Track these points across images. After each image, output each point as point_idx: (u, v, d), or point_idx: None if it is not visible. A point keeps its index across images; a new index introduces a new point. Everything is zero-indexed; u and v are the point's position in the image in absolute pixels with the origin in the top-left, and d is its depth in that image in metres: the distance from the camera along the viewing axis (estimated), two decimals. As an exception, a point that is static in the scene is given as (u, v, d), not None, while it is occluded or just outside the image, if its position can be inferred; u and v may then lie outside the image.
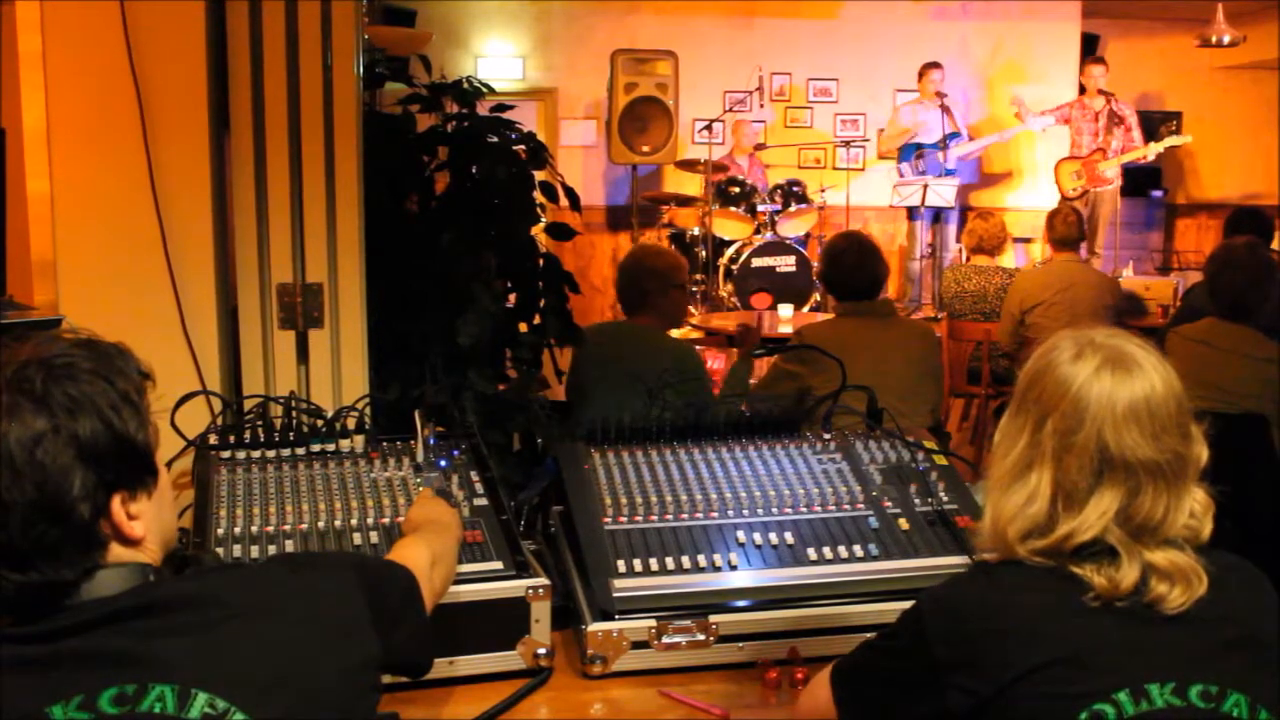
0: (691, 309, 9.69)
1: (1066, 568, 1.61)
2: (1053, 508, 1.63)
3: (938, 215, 10.27)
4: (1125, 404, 1.61)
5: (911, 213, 10.33)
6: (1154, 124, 11.80)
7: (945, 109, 10.37)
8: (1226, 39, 9.80)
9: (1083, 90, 10.43)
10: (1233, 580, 1.66)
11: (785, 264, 9.57)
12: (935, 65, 10.41)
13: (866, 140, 11.00)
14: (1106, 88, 10.23)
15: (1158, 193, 11.88)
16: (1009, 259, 7.69)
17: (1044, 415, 1.65)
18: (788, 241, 9.71)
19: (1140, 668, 1.57)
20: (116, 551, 1.47)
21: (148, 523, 1.50)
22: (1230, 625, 1.63)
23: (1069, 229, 6.57)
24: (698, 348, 4.97)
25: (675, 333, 5.42)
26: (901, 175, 10.35)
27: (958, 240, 10.22)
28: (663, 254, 4.95)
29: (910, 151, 10.39)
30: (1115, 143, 10.11)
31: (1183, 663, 1.58)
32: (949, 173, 10.25)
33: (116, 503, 1.46)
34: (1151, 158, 10.28)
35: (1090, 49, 11.56)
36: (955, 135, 10.39)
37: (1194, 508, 1.66)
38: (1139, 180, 11.51)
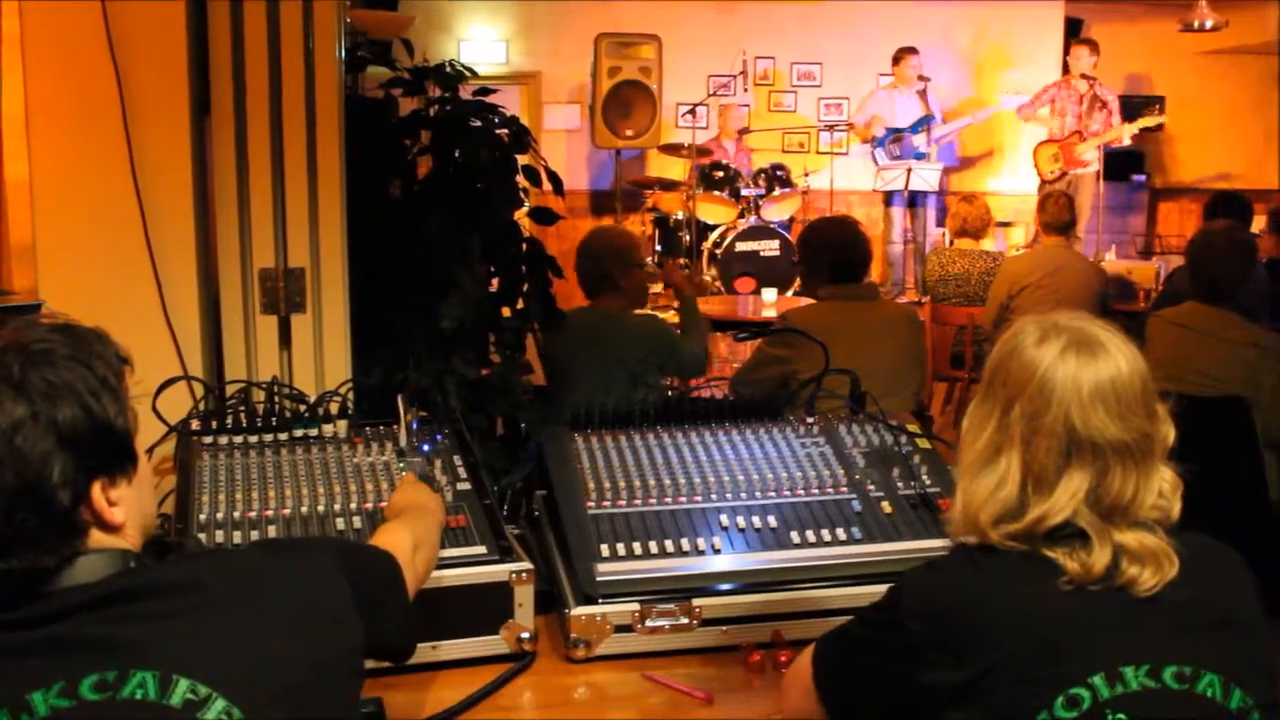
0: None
1: (1040, 551, 1.62)
2: (1023, 492, 1.64)
3: (914, 199, 10.29)
4: (1091, 385, 1.62)
5: (888, 197, 10.35)
6: (1136, 108, 11.81)
7: (922, 94, 10.41)
8: (1209, 24, 9.82)
9: (1066, 71, 10.41)
10: (1205, 561, 1.67)
11: (769, 248, 9.58)
12: (911, 51, 10.42)
13: (850, 124, 10.99)
14: (1091, 71, 10.23)
15: (1140, 177, 11.90)
16: (989, 243, 7.71)
17: (1011, 399, 1.66)
18: (771, 226, 9.72)
19: (1115, 651, 1.58)
20: (97, 538, 1.46)
21: (128, 508, 1.49)
22: (1203, 606, 1.64)
23: (1060, 212, 6.56)
24: (677, 330, 4.94)
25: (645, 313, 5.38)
26: (877, 161, 10.37)
27: (938, 224, 10.27)
28: (622, 234, 4.93)
29: (885, 138, 10.41)
30: (1095, 126, 10.13)
31: (1156, 644, 1.59)
32: (919, 156, 10.27)
33: (96, 489, 1.45)
34: (1127, 140, 10.28)
35: (1074, 32, 11.56)
36: (929, 118, 10.41)
37: (1162, 487, 1.67)
38: (1121, 164, 11.52)
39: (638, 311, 4.77)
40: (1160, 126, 10.58)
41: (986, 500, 1.65)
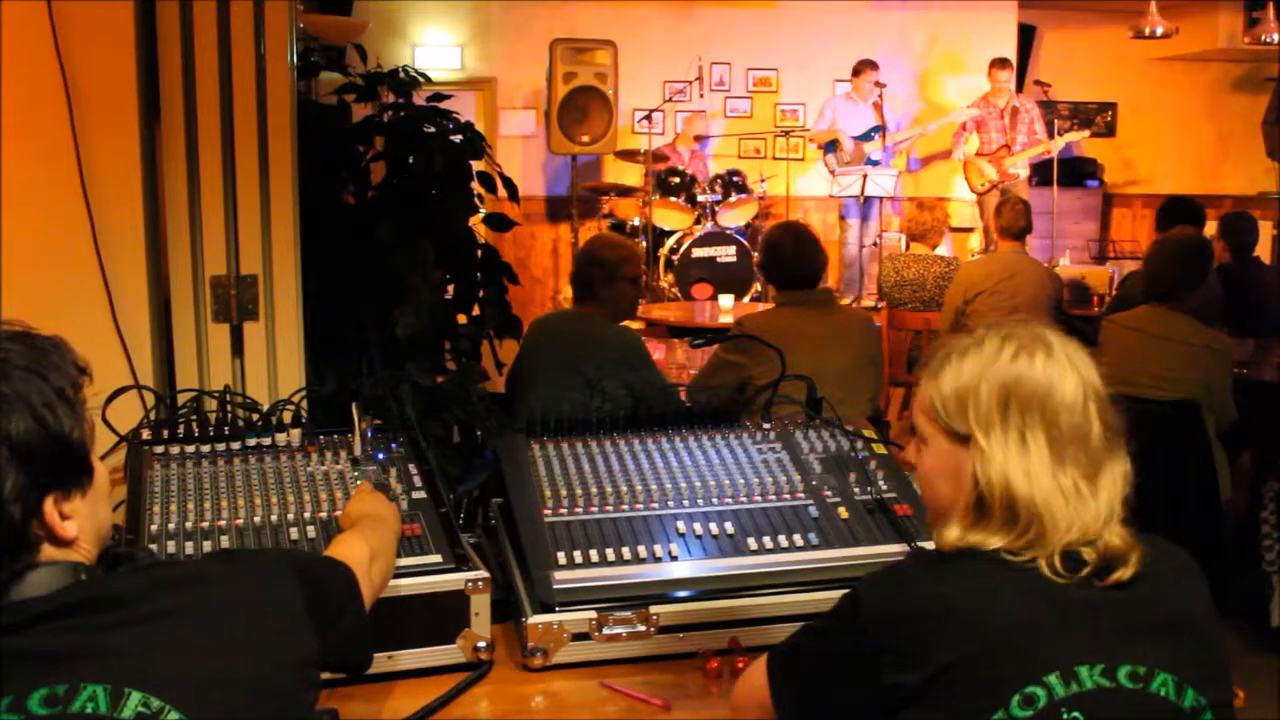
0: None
1: (1001, 555, 1.63)
2: (1086, 495, 1.65)
3: (870, 205, 10.35)
4: (1095, 381, 1.68)
5: (844, 203, 10.43)
6: (1089, 114, 11.96)
7: (876, 105, 10.49)
8: (1159, 31, 9.92)
9: (990, 90, 10.48)
10: (1162, 563, 1.69)
11: (726, 254, 9.60)
12: (870, 66, 10.49)
13: (805, 130, 11.03)
14: (1009, 85, 10.36)
15: (1093, 183, 12.02)
16: (943, 248, 7.76)
17: (1050, 421, 1.66)
18: (728, 232, 9.74)
19: (1071, 650, 1.59)
20: (48, 551, 1.44)
21: (81, 521, 1.47)
22: (1159, 607, 1.66)
23: (1016, 218, 6.59)
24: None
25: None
26: (829, 168, 10.45)
27: (886, 230, 10.37)
28: (616, 246, 4.87)
29: (832, 144, 10.47)
30: (1021, 135, 10.26)
31: (1111, 644, 1.61)
32: (873, 162, 10.34)
33: (49, 504, 1.43)
34: (1056, 152, 10.39)
35: (1027, 40, 11.66)
36: (880, 128, 10.49)
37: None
38: (1074, 170, 11.64)
39: (622, 324, 4.68)
40: (1094, 134, 10.74)
41: (1073, 517, 1.64)
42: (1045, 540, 1.62)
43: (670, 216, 9.98)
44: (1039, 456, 1.65)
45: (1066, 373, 1.68)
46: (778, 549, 2.31)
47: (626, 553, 2.26)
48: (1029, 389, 1.67)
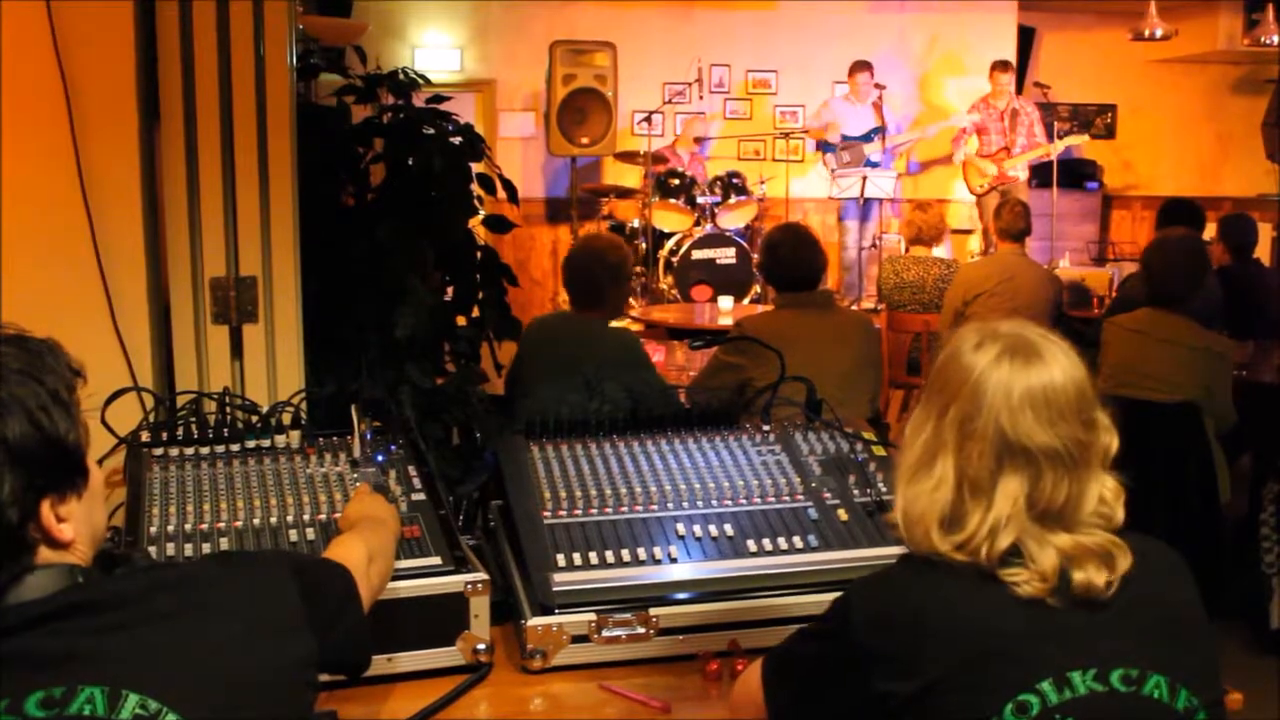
0: (632, 300, 9.69)
1: (987, 568, 1.63)
2: (958, 494, 1.65)
3: (869, 206, 10.35)
4: (1021, 391, 1.64)
5: (844, 204, 10.42)
6: (1089, 116, 11.96)
7: (876, 106, 10.49)
8: (1159, 33, 9.92)
9: (991, 92, 10.48)
10: (1152, 564, 1.69)
11: (725, 256, 9.59)
12: (865, 67, 10.49)
13: (805, 132, 11.03)
14: (1009, 88, 10.37)
15: (1093, 185, 12.01)
16: (942, 250, 7.76)
17: (946, 404, 1.68)
18: (728, 233, 9.74)
19: (1063, 656, 1.59)
20: (45, 554, 1.44)
21: (77, 524, 1.47)
22: (1150, 609, 1.65)
23: (1016, 220, 6.59)
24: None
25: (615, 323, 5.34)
26: (829, 165, 10.44)
27: (886, 232, 10.36)
28: (613, 246, 4.85)
29: (833, 145, 10.47)
30: (1020, 137, 10.26)
31: (1104, 648, 1.60)
32: (873, 164, 10.34)
33: (46, 506, 1.42)
34: (1055, 155, 10.39)
35: (1026, 42, 11.65)
36: (879, 130, 10.49)
37: (1104, 494, 1.68)
38: (1074, 172, 11.64)
39: (614, 324, 4.68)
40: (1093, 136, 10.75)
41: (926, 505, 1.66)
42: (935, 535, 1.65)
43: (670, 218, 9.97)
44: (922, 433, 1.70)
45: (995, 371, 1.66)
46: (777, 551, 2.31)
47: (626, 555, 2.26)
48: (950, 372, 1.69)
